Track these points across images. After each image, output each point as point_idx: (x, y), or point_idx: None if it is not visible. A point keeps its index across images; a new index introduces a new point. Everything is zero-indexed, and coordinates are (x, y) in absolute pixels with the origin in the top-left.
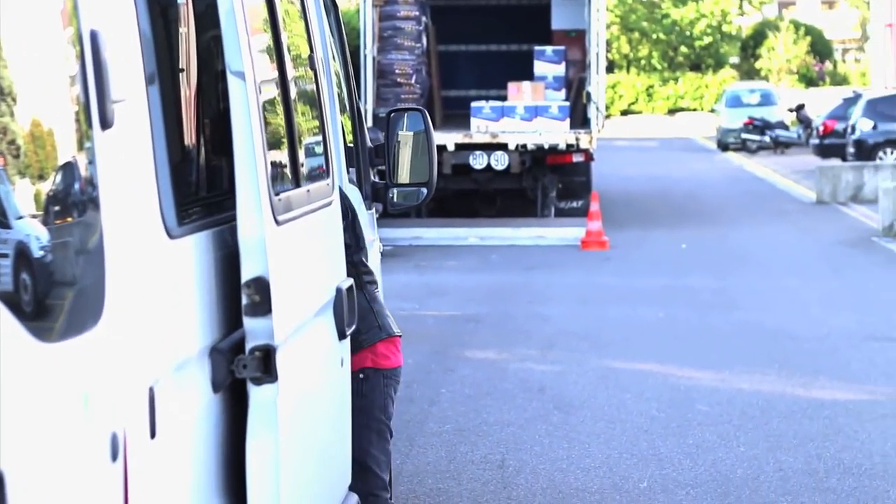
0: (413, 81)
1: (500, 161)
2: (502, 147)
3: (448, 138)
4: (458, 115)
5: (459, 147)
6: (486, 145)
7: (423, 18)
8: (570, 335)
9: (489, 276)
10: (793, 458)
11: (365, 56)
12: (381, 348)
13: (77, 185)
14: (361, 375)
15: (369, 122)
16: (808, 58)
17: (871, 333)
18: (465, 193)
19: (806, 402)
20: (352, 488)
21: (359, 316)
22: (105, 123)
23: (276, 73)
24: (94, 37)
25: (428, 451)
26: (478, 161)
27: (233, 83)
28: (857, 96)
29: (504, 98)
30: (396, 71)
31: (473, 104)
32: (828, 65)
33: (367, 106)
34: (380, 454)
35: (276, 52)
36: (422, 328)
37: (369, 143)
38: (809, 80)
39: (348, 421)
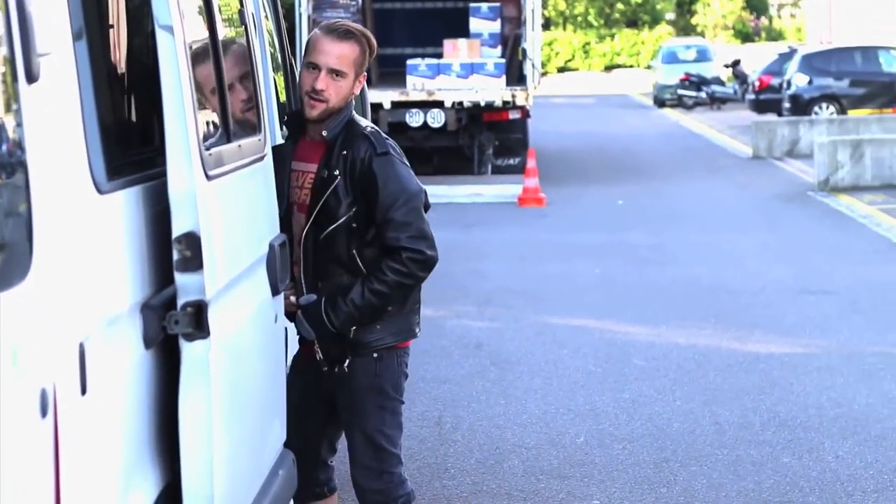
0: None
1: (436, 119)
2: (438, 105)
3: (384, 96)
4: (393, 73)
5: (395, 105)
6: (422, 103)
7: None
8: (507, 292)
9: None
10: (728, 411)
11: (300, 14)
12: (394, 328)
13: (2, 140)
14: (375, 355)
15: None
16: (744, 13)
17: (805, 287)
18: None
19: (741, 355)
20: (366, 466)
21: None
22: (31, 77)
23: (205, 29)
24: None
25: None
26: (414, 119)
27: (161, 37)
28: (793, 52)
29: (440, 55)
30: None
31: (409, 62)
32: (763, 20)
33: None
34: (393, 431)
35: (206, 7)
36: None
37: None
38: (745, 36)
39: (283, 377)
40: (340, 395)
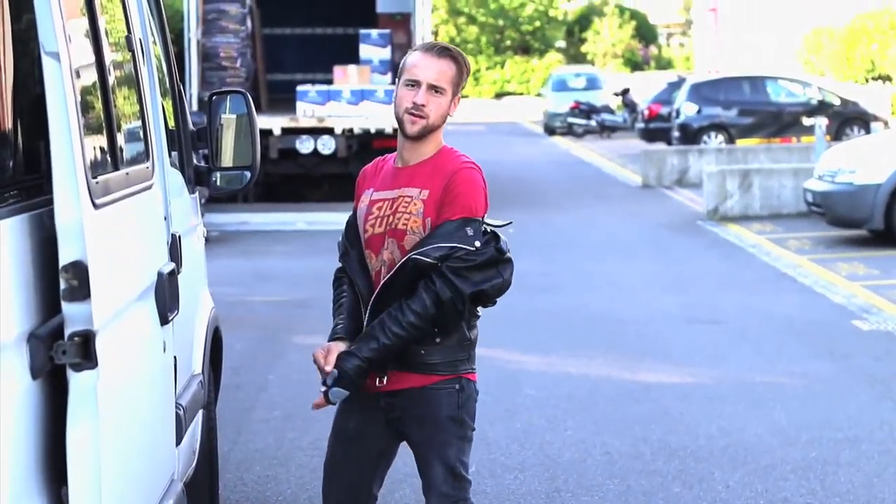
0: (238, 65)
1: (326, 145)
2: (329, 131)
3: (274, 122)
4: (284, 99)
5: (286, 131)
6: (312, 129)
7: (248, 1)
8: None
9: (317, 260)
10: (619, 440)
11: (189, 39)
12: (470, 360)
13: None
14: (458, 386)
15: (194, 107)
16: (634, 42)
17: (694, 316)
18: (292, 178)
19: (632, 384)
20: (445, 494)
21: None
22: None
23: (93, 55)
24: None
25: (256, 438)
26: (304, 145)
27: (48, 64)
28: (682, 80)
29: (330, 82)
30: (221, 54)
31: (299, 88)
32: (653, 49)
33: (192, 90)
34: (467, 460)
35: (93, 33)
36: (250, 314)
37: (192, 127)
38: (635, 65)
39: (172, 406)
40: (418, 426)
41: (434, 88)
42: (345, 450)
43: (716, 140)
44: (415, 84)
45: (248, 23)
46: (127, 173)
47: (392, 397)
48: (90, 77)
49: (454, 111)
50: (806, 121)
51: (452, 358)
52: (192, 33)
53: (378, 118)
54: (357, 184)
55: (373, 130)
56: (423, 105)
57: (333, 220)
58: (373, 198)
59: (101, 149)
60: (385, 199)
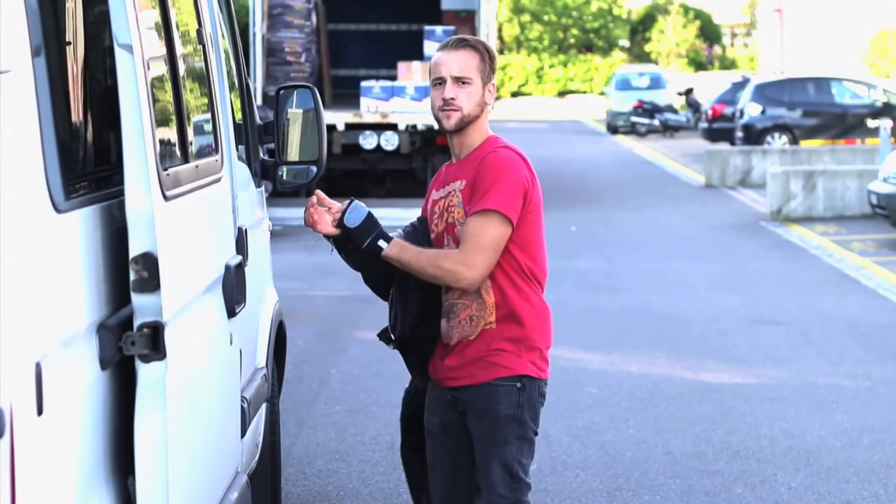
0: (303, 60)
1: (390, 141)
2: (392, 127)
3: (338, 118)
4: (347, 95)
5: (349, 127)
6: (376, 125)
7: None
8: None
9: None
10: (681, 440)
11: (254, 34)
12: (538, 359)
13: None
14: (519, 385)
15: (259, 101)
16: (698, 42)
17: (758, 317)
18: (355, 173)
19: (694, 384)
20: (502, 495)
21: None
22: None
23: (164, 48)
24: None
25: (318, 433)
26: (368, 141)
27: (120, 56)
28: (746, 81)
29: (394, 78)
30: (286, 49)
31: (363, 84)
32: (717, 49)
33: (257, 84)
34: (528, 462)
35: (165, 26)
36: (311, 308)
37: (258, 121)
38: (698, 64)
39: (237, 399)
40: (478, 420)
41: (460, 80)
42: (436, 445)
43: (780, 141)
44: (441, 81)
45: (314, 18)
46: (196, 166)
47: (457, 392)
48: (161, 70)
49: (491, 99)
50: (870, 123)
51: (515, 356)
52: (258, 28)
53: None
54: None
55: (436, 127)
56: (452, 98)
57: (396, 215)
58: (433, 198)
59: (172, 141)
60: (440, 198)
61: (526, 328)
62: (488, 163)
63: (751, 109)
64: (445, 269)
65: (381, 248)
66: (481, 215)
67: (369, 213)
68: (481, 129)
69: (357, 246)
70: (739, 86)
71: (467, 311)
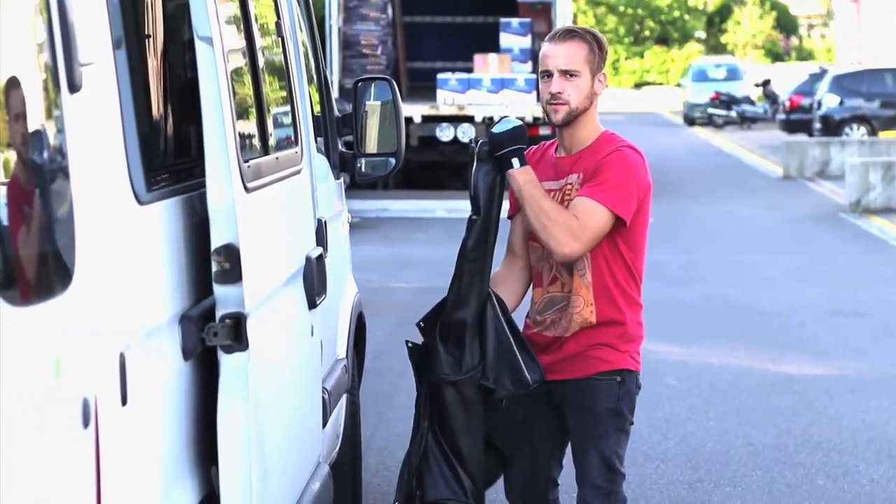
0: (379, 52)
1: (466, 133)
2: (469, 119)
3: (414, 110)
4: (424, 87)
5: (426, 119)
6: (452, 117)
7: None
8: None
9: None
10: (762, 432)
11: (330, 27)
12: (634, 352)
13: (45, 150)
14: (619, 379)
15: (335, 93)
16: (774, 33)
17: (838, 308)
18: (431, 165)
19: (775, 376)
20: (599, 487)
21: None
22: (73, 87)
23: (243, 41)
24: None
25: (398, 424)
26: (444, 133)
27: (200, 49)
28: (824, 72)
29: (470, 70)
30: (362, 42)
31: (440, 76)
32: (794, 40)
33: (333, 77)
34: (623, 453)
35: (244, 18)
36: (390, 300)
37: (337, 113)
38: (775, 55)
39: (318, 390)
40: (576, 415)
41: (567, 73)
42: (514, 437)
43: (858, 132)
44: (548, 74)
45: (389, 10)
46: (277, 158)
47: (555, 385)
48: (241, 62)
49: (601, 89)
50: None
51: (614, 351)
52: (334, 21)
53: (518, 106)
54: None
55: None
56: (559, 92)
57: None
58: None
59: (252, 133)
60: (553, 190)
61: (626, 324)
62: (612, 161)
63: (829, 100)
64: (559, 227)
65: (511, 165)
66: (596, 202)
67: (519, 129)
68: (592, 122)
69: (491, 152)
70: (817, 77)
71: (568, 307)
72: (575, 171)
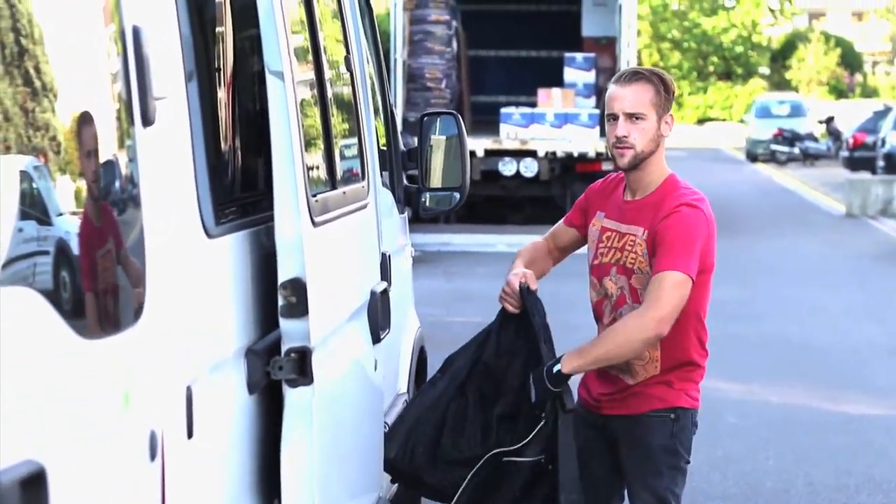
0: (443, 86)
1: (529, 168)
2: (531, 154)
3: (477, 144)
4: (487, 121)
5: (489, 153)
6: (515, 152)
7: (454, 23)
8: None
9: None
10: (822, 472)
11: (395, 60)
12: (692, 389)
13: (118, 182)
14: (673, 416)
15: (399, 127)
16: (839, 69)
17: None
18: (493, 200)
19: (834, 415)
20: None
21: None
22: (146, 120)
23: (313, 74)
24: (136, 33)
25: None
26: (507, 167)
27: (271, 83)
28: (888, 109)
29: (534, 104)
30: (426, 75)
31: (503, 110)
32: (858, 77)
33: (397, 110)
34: (679, 491)
35: (314, 52)
36: (449, 334)
37: (402, 147)
38: (839, 92)
39: (380, 425)
40: (630, 451)
41: (633, 116)
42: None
43: None
44: (614, 117)
45: (454, 44)
46: (344, 192)
47: (610, 420)
48: (310, 96)
49: (668, 131)
50: None
51: (669, 388)
52: (399, 54)
53: (581, 142)
54: (585, 196)
55: (575, 154)
56: (625, 136)
57: None
58: (604, 224)
59: (320, 168)
60: (614, 231)
61: (687, 364)
62: (674, 223)
63: (893, 138)
64: (641, 339)
65: (565, 403)
66: (671, 274)
67: (552, 378)
68: (658, 166)
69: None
70: (881, 114)
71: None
72: (639, 222)
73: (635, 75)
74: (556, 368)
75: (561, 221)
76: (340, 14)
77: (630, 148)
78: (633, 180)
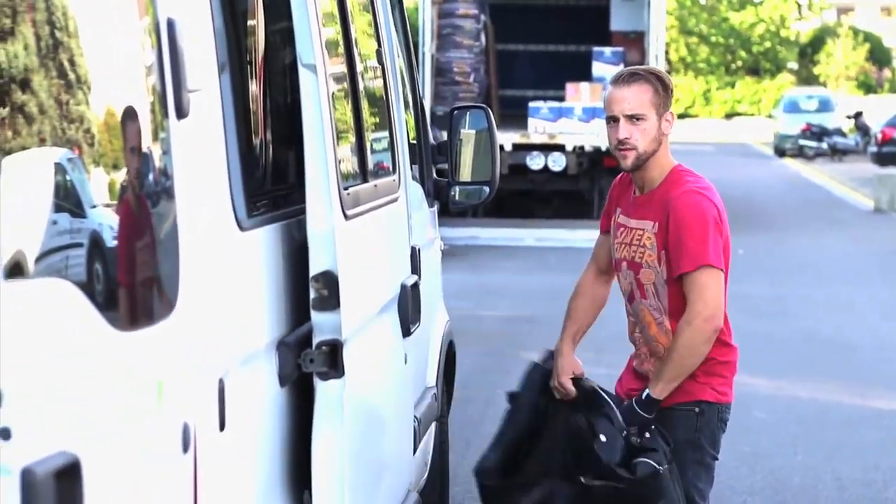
0: (471, 80)
1: (557, 162)
2: (559, 148)
3: (505, 138)
4: (515, 115)
5: (517, 147)
6: (543, 146)
7: (482, 17)
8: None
9: (546, 277)
10: (850, 467)
11: (423, 54)
12: (718, 383)
13: (152, 175)
14: (697, 409)
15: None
16: (867, 64)
17: None
18: (521, 194)
19: (864, 411)
20: None
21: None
22: (181, 113)
23: (345, 67)
24: (170, 25)
25: None
26: (535, 161)
27: (304, 76)
28: None
29: (562, 99)
30: (455, 69)
31: (531, 104)
32: (886, 72)
33: (426, 104)
34: (706, 487)
35: (346, 45)
36: (478, 329)
37: (432, 141)
38: (868, 87)
39: (410, 418)
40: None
41: (632, 118)
42: None
43: None
44: (614, 120)
45: (482, 38)
46: (375, 185)
47: None
48: (342, 90)
49: (669, 129)
50: None
51: (694, 381)
52: (427, 48)
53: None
54: (608, 198)
55: (603, 148)
56: (627, 138)
57: (562, 237)
58: (618, 220)
59: (352, 161)
60: (626, 227)
61: (709, 359)
62: (679, 212)
63: None
64: (703, 342)
65: (648, 396)
66: (696, 274)
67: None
68: (661, 162)
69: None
70: None
71: (651, 355)
72: (647, 216)
73: (633, 76)
74: (644, 395)
75: (599, 234)
76: (372, 7)
77: (632, 149)
78: (639, 178)
